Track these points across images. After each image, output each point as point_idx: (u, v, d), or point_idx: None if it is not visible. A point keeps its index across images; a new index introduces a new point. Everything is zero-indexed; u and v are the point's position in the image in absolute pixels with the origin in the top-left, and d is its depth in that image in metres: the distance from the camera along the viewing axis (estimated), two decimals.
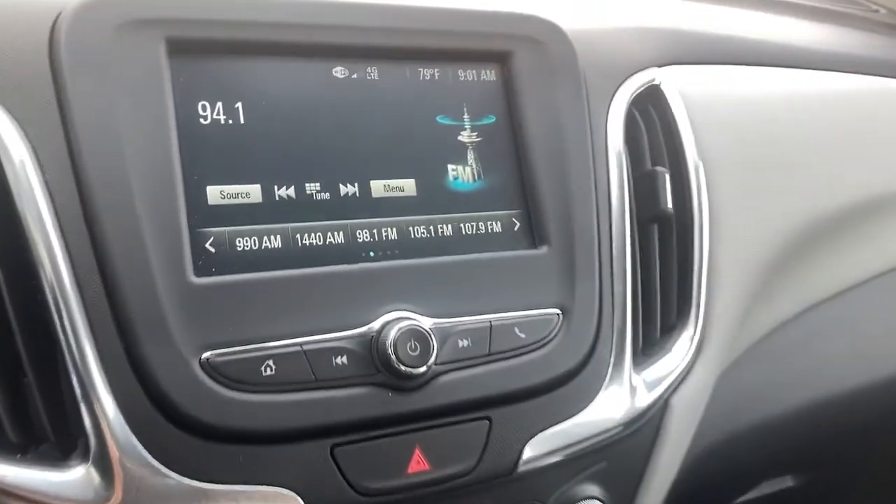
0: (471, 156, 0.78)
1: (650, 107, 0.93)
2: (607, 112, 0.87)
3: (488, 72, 0.80)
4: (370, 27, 0.75)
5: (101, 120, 0.64)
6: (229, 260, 0.66)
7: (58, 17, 0.66)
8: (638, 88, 0.91)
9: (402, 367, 0.66)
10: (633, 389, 0.81)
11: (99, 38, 0.65)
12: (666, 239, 0.89)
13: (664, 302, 0.87)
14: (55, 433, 0.62)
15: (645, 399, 0.82)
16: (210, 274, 0.65)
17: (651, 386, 0.83)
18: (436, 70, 0.78)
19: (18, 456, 0.60)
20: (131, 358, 0.61)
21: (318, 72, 0.73)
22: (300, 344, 0.65)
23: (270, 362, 0.64)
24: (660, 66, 0.97)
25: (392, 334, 0.67)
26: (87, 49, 0.64)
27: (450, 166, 0.76)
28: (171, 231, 0.64)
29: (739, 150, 0.99)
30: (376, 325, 0.68)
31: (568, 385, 0.75)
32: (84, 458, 0.61)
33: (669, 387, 0.84)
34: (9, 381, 0.61)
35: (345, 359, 0.66)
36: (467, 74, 0.79)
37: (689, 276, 0.88)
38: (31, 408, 0.62)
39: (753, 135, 1.02)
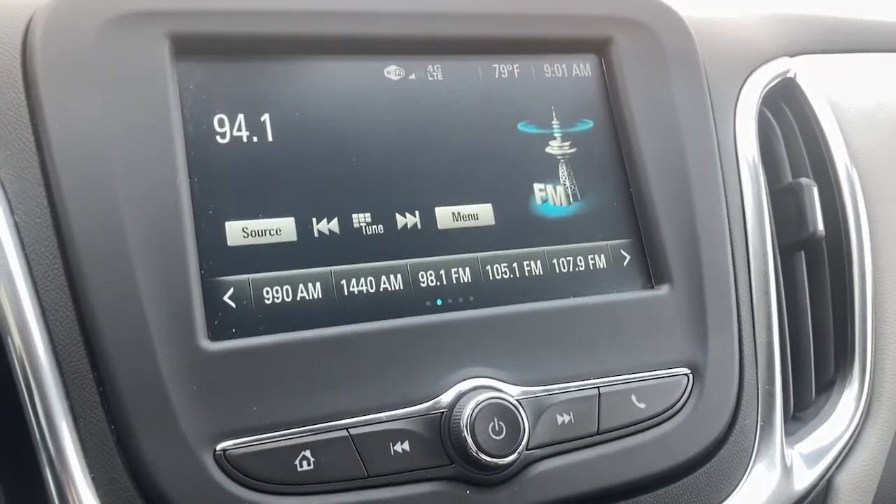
0: (563, 171, 0.61)
1: (784, 105, 0.75)
2: (734, 112, 0.71)
3: (582, 65, 0.65)
4: (430, 13, 0.60)
5: (86, 141, 0.50)
6: (254, 317, 0.52)
7: (32, 16, 0.52)
8: (769, 82, 0.75)
9: (483, 457, 0.50)
10: (786, 469, 0.64)
11: (84, 37, 0.52)
12: (817, 269, 0.72)
13: (819, 351, 0.70)
14: None
15: (803, 480, 0.65)
16: (229, 336, 0.51)
17: (810, 461, 0.66)
18: (515, 65, 0.63)
19: None
20: (124, 450, 0.49)
21: (366, 73, 0.59)
22: (346, 427, 0.51)
23: (307, 453, 0.50)
24: (791, 55, 0.79)
25: (468, 410, 0.51)
26: (69, 52, 0.51)
27: (536, 186, 0.61)
28: (178, 282, 0.50)
29: None
30: (447, 397, 0.53)
31: (703, 469, 0.60)
32: None
33: (833, 462, 0.67)
34: None
35: (406, 445, 0.51)
36: (556, 69, 0.64)
37: (849, 315, 0.71)
38: None
39: None
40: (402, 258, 0.56)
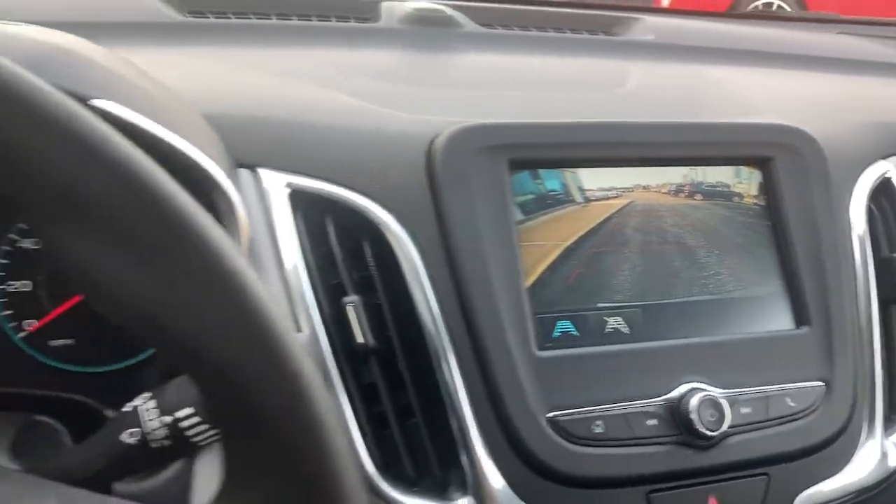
0: None
1: (882, 197, 1.04)
2: (849, 206, 0.99)
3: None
4: (665, 142, 0.91)
5: (467, 226, 0.81)
6: (567, 336, 0.83)
7: (432, 141, 0.84)
8: (875, 181, 1.02)
9: (703, 430, 0.80)
10: (884, 453, 0.92)
11: (463, 160, 0.83)
12: None
13: None
14: (441, 469, 0.79)
15: (895, 460, 0.92)
16: (550, 349, 0.81)
17: None
18: None
19: (414, 488, 0.78)
20: (497, 414, 0.77)
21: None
22: (621, 408, 0.81)
23: (600, 422, 0.79)
24: (885, 157, 1.07)
25: (693, 402, 0.81)
26: (456, 168, 0.82)
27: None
28: (520, 316, 0.81)
29: None
30: (677, 393, 0.83)
31: (830, 447, 0.85)
32: (462, 490, 0.78)
33: None
34: (405, 427, 0.79)
35: (655, 421, 0.81)
36: None
37: None
38: (421, 449, 0.79)
39: None
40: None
